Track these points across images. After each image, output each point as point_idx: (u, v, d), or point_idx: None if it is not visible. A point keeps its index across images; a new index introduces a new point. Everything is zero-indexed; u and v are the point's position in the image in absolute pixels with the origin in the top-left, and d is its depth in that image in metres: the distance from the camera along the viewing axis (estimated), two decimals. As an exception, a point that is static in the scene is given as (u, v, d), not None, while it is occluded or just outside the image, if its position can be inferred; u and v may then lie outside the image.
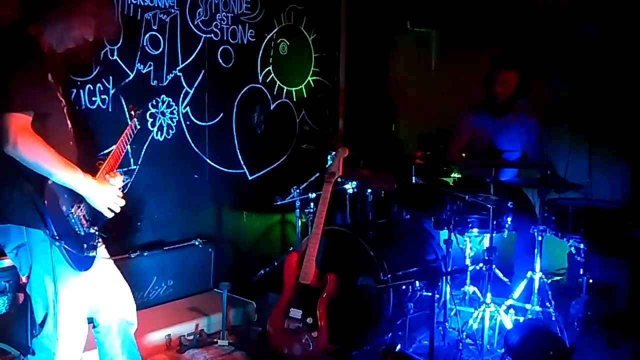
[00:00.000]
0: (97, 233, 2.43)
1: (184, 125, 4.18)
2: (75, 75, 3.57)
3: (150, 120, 3.99)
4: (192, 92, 4.20)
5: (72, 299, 2.41)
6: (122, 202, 2.45)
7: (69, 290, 2.39)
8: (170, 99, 4.08)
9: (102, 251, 2.59)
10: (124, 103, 3.80)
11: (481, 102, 4.32)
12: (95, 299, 2.57)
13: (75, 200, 2.34)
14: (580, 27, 4.73)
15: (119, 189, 2.48)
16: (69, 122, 2.45)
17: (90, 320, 2.63)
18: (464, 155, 4.29)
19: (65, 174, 2.22)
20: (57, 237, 2.20)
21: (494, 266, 3.63)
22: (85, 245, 2.35)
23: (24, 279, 2.40)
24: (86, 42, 2.43)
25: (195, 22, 4.18)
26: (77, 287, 2.43)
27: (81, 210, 2.36)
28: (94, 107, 3.67)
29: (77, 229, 2.32)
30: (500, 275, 3.91)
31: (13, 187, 2.21)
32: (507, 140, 4.21)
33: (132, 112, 2.83)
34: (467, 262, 3.74)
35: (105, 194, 2.37)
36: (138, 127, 2.74)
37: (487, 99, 4.24)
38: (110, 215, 2.42)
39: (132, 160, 3.90)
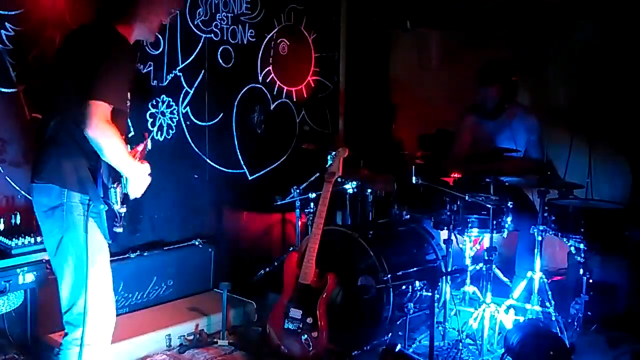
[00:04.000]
0: (122, 214, 2.55)
1: (184, 125, 4.18)
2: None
3: (150, 120, 3.99)
4: (192, 92, 4.20)
5: (104, 270, 2.51)
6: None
7: (101, 260, 2.49)
8: (170, 99, 4.08)
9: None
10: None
11: (478, 102, 4.34)
12: None
13: (117, 178, 2.50)
14: (581, 26, 4.74)
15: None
16: (128, 120, 2.66)
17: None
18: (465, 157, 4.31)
19: (124, 162, 2.42)
20: (104, 200, 2.41)
21: (494, 266, 3.63)
22: (116, 217, 2.51)
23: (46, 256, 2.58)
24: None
25: (195, 22, 4.18)
26: (107, 259, 2.54)
27: (119, 188, 2.51)
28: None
29: (115, 202, 2.48)
30: (500, 275, 3.91)
31: (66, 155, 2.40)
32: (507, 139, 4.22)
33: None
34: (467, 262, 3.74)
35: (144, 179, 2.56)
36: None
37: (480, 101, 4.29)
38: (135, 196, 2.58)
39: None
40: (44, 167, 2.44)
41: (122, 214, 2.53)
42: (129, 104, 2.56)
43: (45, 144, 2.45)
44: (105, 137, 2.33)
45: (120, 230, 2.53)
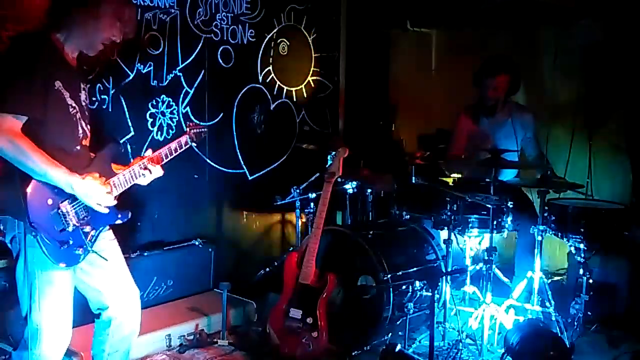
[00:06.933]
0: (90, 232, 2.45)
1: (184, 125, 4.18)
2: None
3: (150, 120, 3.99)
4: (192, 92, 4.20)
5: (56, 296, 2.42)
6: (109, 201, 2.45)
7: (53, 287, 2.40)
8: (170, 99, 4.08)
9: (110, 250, 2.60)
10: (124, 103, 3.81)
11: (475, 102, 4.36)
12: (104, 296, 2.61)
13: (68, 196, 2.36)
14: (581, 26, 4.74)
15: (153, 177, 2.74)
16: (81, 128, 2.49)
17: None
18: (462, 157, 4.32)
19: (46, 172, 2.26)
20: (33, 227, 2.25)
21: (494, 266, 3.63)
22: (70, 241, 2.37)
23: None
24: (113, 43, 2.53)
25: (195, 22, 4.17)
26: (64, 285, 2.44)
27: (72, 207, 2.38)
28: (94, 107, 3.66)
29: (62, 225, 2.35)
30: (500, 275, 3.91)
31: (10, 181, 2.27)
32: (504, 138, 4.24)
33: (188, 128, 2.90)
34: (467, 262, 3.74)
35: (90, 190, 2.36)
36: (190, 144, 2.87)
37: (478, 99, 4.30)
38: (100, 209, 2.43)
39: (132, 160, 3.89)
40: None
41: (89, 233, 2.43)
42: (74, 110, 2.44)
43: None
44: (10, 151, 2.20)
45: (79, 252, 2.41)
